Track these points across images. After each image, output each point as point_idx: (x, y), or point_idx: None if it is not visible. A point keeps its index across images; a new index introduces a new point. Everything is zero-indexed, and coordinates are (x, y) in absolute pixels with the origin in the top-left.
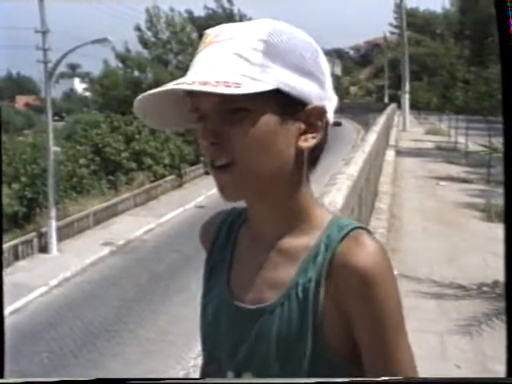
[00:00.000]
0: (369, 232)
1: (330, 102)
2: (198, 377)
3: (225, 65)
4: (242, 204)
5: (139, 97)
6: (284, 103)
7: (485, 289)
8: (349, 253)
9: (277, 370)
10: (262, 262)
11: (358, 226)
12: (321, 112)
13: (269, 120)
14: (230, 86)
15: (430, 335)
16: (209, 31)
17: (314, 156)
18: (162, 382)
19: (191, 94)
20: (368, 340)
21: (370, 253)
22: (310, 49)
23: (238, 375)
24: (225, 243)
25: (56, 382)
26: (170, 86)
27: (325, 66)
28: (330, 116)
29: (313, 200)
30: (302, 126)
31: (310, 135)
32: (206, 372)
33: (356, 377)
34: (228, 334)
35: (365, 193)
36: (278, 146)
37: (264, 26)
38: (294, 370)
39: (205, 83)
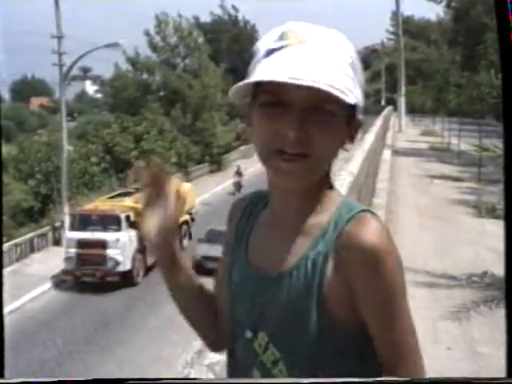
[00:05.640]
0: (374, 214)
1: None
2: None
3: (334, 72)
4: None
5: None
6: (350, 114)
7: (474, 279)
8: (354, 232)
9: (286, 332)
10: (279, 236)
11: (365, 209)
12: (359, 123)
13: (342, 125)
14: (344, 93)
15: (424, 321)
16: (292, 27)
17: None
18: (159, 382)
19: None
20: (373, 311)
21: (373, 232)
22: (360, 67)
23: (254, 335)
24: (247, 220)
25: (56, 382)
26: (300, 81)
27: (361, 82)
28: None
29: (328, 184)
30: (350, 133)
31: (350, 141)
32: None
33: (356, 346)
34: (246, 298)
35: (364, 189)
36: (339, 146)
37: (346, 42)
38: (301, 333)
39: (331, 86)
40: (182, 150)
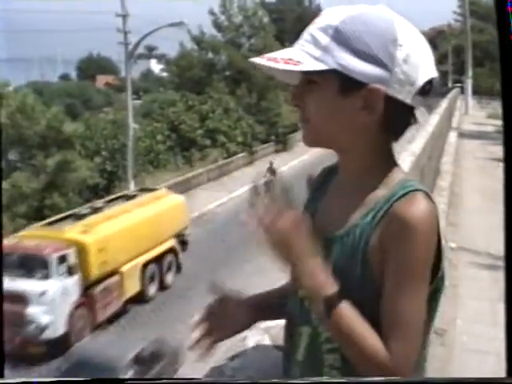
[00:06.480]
0: (428, 195)
1: (400, 85)
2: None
3: (299, 43)
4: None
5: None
6: (343, 82)
7: None
8: (401, 207)
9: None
10: (339, 204)
11: (420, 189)
12: (377, 93)
13: (330, 93)
14: (289, 63)
15: (484, 302)
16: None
17: (393, 130)
18: (159, 382)
19: None
20: (388, 280)
21: (417, 210)
22: (383, 39)
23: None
24: (321, 187)
25: (56, 382)
26: (257, 59)
27: (400, 55)
28: (407, 98)
29: (390, 162)
30: (361, 104)
31: (366, 112)
32: None
33: None
34: None
35: (427, 170)
36: (339, 115)
37: (343, 13)
38: (347, 291)
39: (273, 59)
40: (247, 130)
